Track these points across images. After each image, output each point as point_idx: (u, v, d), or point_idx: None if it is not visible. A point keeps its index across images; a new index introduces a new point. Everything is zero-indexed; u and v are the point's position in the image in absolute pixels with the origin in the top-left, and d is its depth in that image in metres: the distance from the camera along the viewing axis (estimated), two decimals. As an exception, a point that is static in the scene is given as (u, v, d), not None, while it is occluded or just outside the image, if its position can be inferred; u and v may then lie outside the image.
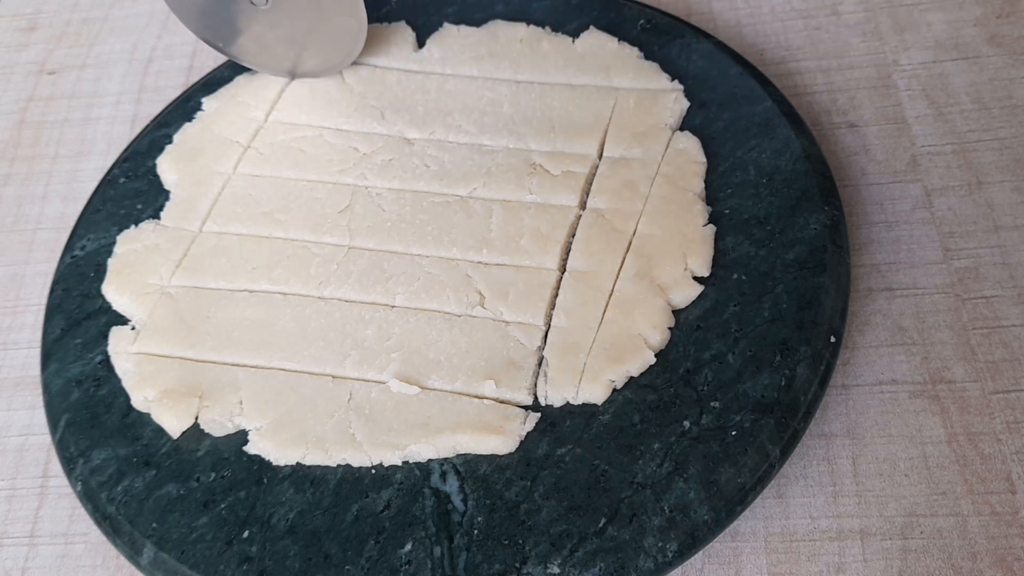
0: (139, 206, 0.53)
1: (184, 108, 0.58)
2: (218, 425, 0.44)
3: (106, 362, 0.47)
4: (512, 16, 0.58)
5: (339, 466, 0.43)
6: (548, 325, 0.45)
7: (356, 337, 0.46)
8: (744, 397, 0.42)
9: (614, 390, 0.43)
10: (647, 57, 0.55)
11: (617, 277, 0.46)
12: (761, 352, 0.43)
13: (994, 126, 0.52)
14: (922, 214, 0.50)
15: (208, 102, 0.57)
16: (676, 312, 0.45)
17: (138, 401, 0.45)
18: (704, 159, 0.50)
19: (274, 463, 0.43)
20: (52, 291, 0.51)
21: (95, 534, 0.45)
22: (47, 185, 0.60)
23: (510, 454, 0.42)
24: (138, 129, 0.60)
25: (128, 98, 0.64)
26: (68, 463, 0.45)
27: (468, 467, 0.42)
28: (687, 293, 0.45)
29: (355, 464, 0.42)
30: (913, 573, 0.40)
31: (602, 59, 0.55)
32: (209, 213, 0.52)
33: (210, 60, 0.64)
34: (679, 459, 0.40)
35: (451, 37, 0.57)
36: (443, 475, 0.42)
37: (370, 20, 0.59)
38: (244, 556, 0.40)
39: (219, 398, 0.45)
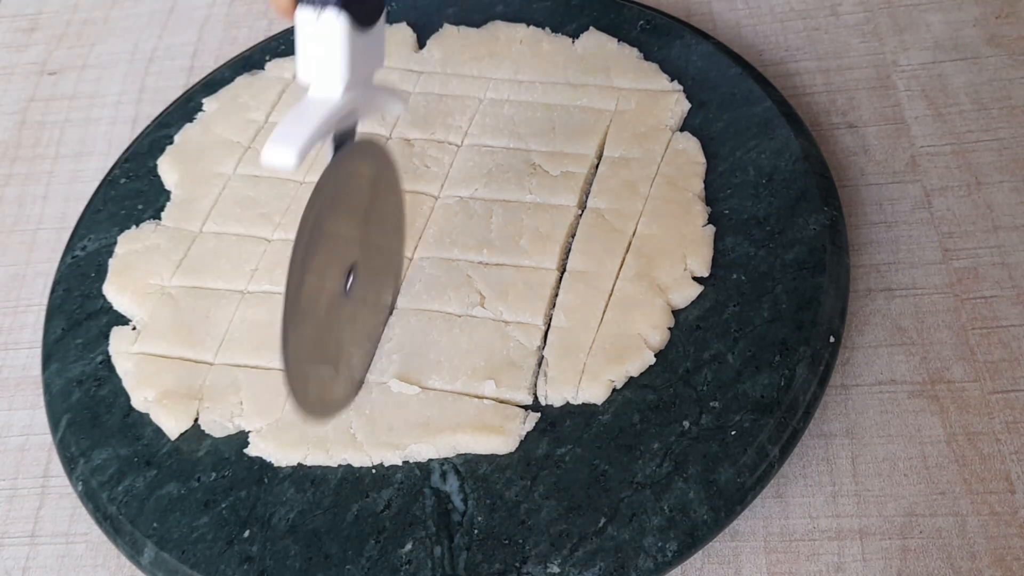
0: (140, 206, 0.53)
1: (185, 109, 0.58)
2: (219, 426, 0.44)
3: (107, 362, 0.47)
4: (512, 17, 0.58)
5: (340, 466, 0.43)
6: (548, 325, 0.45)
7: (356, 337, 0.46)
8: (743, 397, 0.42)
9: (614, 390, 0.43)
10: (647, 57, 0.55)
11: (617, 277, 0.46)
12: (760, 352, 0.43)
13: (993, 126, 0.52)
14: (921, 214, 0.50)
15: (209, 103, 0.57)
16: (676, 312, 0.45)
17: (138, 402, 0.46)
18: (704, 160, 0.50)
19: (275, 464, 0.43)
20: (53, 291, 0.51)
21: (96, 534, 0.45)
22: (48, 185, 0.60)
23: (510, 454, 0.42)
24: (139, 129, 0.60)
25: (129, 98, 0.64)
26: (69, 463, 0.45)
27: (468, 467, 0.42)
28: (687, 293, 0.45)
29: (356, 464, 0.43)
30: (912, 573, 0.40)
31: (602, 59, 0.55)
32: (209, 214, 0.52)
33: (211, 61, 0.64)
34: (679, 459, 0.40)
35: (451, 38, 0.57)
36: (443, 475, 0.42)
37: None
38: (245, 556, 0.41)
39: (220, 399, 0.45)
